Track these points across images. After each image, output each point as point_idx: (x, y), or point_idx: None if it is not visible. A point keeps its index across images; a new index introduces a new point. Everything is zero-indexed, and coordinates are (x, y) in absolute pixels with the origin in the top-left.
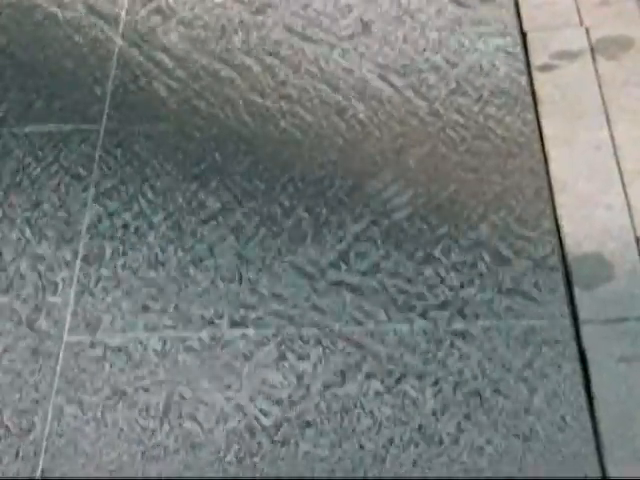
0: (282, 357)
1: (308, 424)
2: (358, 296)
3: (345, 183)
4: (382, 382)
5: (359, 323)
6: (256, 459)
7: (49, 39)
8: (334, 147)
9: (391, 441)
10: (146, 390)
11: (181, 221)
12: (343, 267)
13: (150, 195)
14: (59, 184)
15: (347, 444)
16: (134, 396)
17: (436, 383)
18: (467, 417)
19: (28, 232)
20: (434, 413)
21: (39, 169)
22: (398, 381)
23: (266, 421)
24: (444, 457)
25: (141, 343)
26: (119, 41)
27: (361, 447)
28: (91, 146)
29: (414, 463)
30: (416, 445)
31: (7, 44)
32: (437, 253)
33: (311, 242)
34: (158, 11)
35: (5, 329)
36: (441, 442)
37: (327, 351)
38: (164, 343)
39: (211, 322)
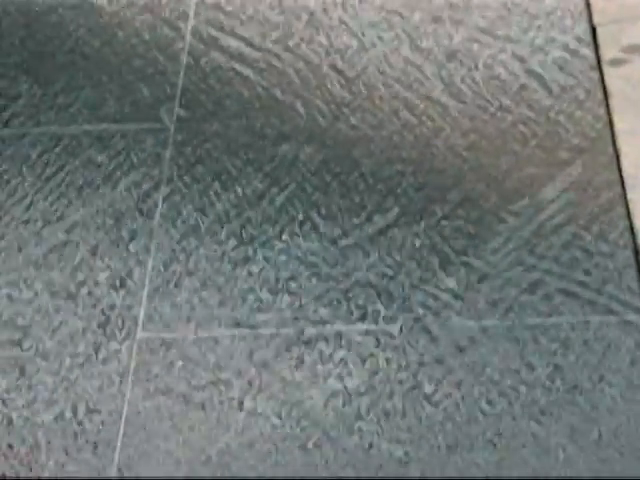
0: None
1: None
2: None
3: (415, 179)
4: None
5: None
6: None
7: (119, 38)
8: (405, 143)
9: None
10: (218, 385)
11: (252, 219)
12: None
13: (221, 193)
14: (130, 183)
15: None
16: (206, 392)
17: (517, 372)
18: (542, 412)
19: (101, 231)
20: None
21: (111, 168)
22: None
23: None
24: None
25: (214, 340)
26: (188, 39)
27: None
28: (162, 145)
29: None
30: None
31: (78, 44)
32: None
33: (381, 239)
34: (225, 10)
35: (78, 329)
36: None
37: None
38: (239, 339)
39: (295, 318)
